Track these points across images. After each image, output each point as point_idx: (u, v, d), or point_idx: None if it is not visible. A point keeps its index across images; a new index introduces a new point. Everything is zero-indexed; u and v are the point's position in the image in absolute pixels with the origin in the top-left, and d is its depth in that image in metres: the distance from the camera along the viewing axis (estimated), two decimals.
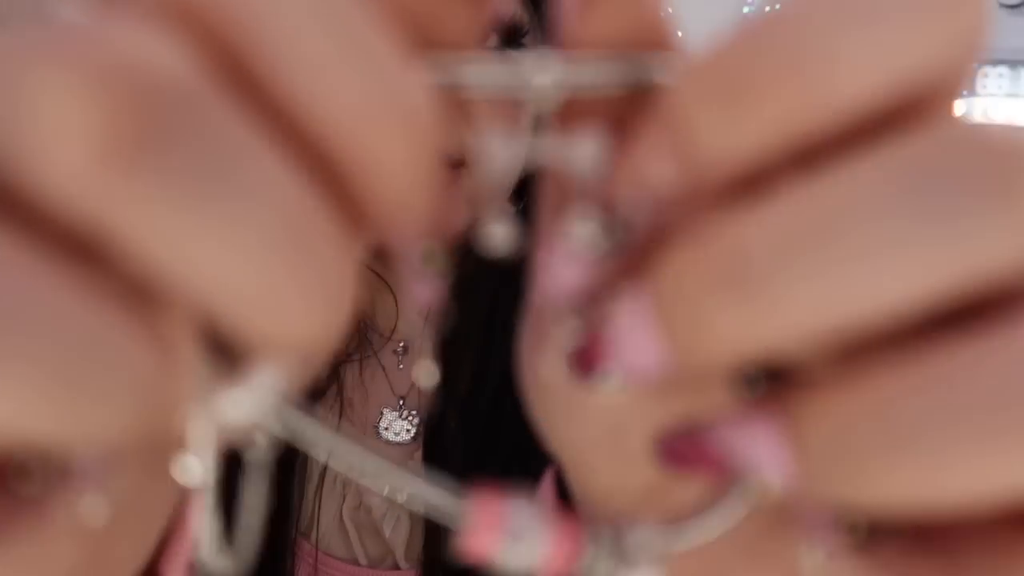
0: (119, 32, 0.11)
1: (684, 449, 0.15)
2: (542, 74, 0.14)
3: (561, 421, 0.18)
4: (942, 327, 0.12)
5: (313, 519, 0.55)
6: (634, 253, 0.14)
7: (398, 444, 0.56)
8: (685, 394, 0.16)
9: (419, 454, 0.55)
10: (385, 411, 0.57)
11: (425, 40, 0.14)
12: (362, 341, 0.57)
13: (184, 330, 0.13)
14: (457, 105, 0.14)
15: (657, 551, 0.15)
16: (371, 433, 0.56)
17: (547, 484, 0.26)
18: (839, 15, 0.11)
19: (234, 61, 0.12)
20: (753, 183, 0.13)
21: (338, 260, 0.12)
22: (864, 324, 0.12)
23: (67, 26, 0.11)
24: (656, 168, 0.13)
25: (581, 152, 0.14)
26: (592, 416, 0.17)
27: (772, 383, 0.14)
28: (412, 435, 0.56)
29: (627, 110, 0.15)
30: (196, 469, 0.13)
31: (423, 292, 0.14)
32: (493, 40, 0.47)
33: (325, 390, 0.56)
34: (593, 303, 0.14)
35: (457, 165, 0.15)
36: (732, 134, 0.12)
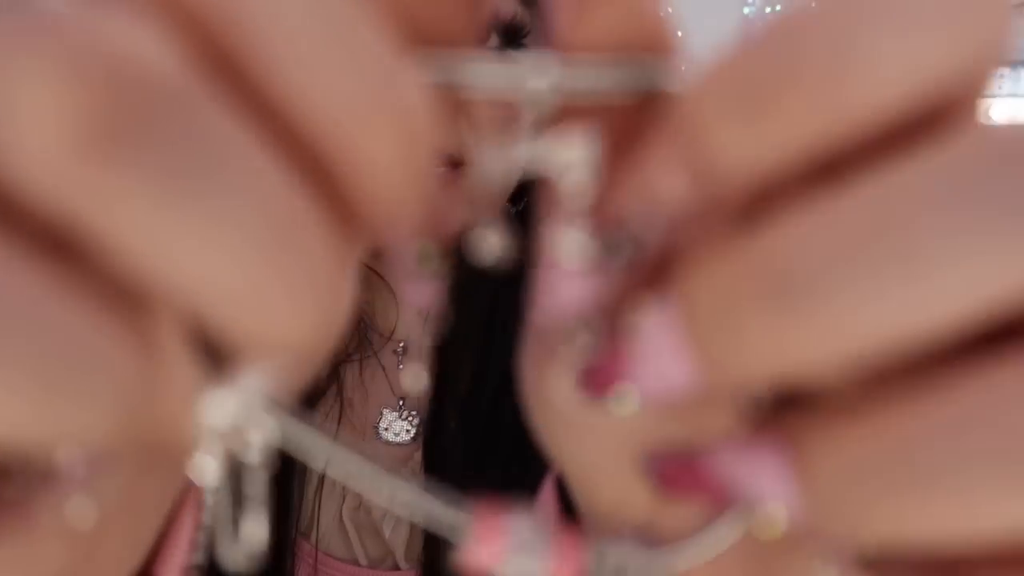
0: (100, 22, 0.11)
1: (677, 474, 0.14)
2: (538, 77, 0.13)
3: (565, 438, 0.18)
4: (966, 352, 0.12)
5: (313, 519, 0.55)
6: (643, 269, 0.14)
7: (398, 444, 0.56)
8: (693, 413, 0.15)
9: (419, 454, 0.55)
10: (385, 411, 0.56)
11: (422, 38, 0.14)
12: (362, 341, 0.57)
13: (172, 329, 0.13)
14: (454, 104, 0.14)
15: (659, 570, 0.15)
16: (371, 433, 0.56)
17: (548, 489, 0.26)
18: (866, 18, 0.11)
19: (222, 54, 0.12)
20: (768, 196, 0.12)
21: (327, 260, 0.12)
22: (911, 340, 0.11)
23: (46, 15, 0.11)
24: (668, 181, 0.13)
25: (568, 157, 0.14)
26: (597, 434, 0.17)
27: (775, 407, 0.14)
28: (412, 435, 0.56)
29: (634, 119, 0.14)
30: (209, 469, 0.13)
31: (418, 293, 0.14)
32: (494, 40, 0.46)
33: (325, 390, 0.56)
34: (600, 320, 0.14)
35: (456, 164, 0.15)
36: (754, 145, 0.12)
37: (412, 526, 0.54)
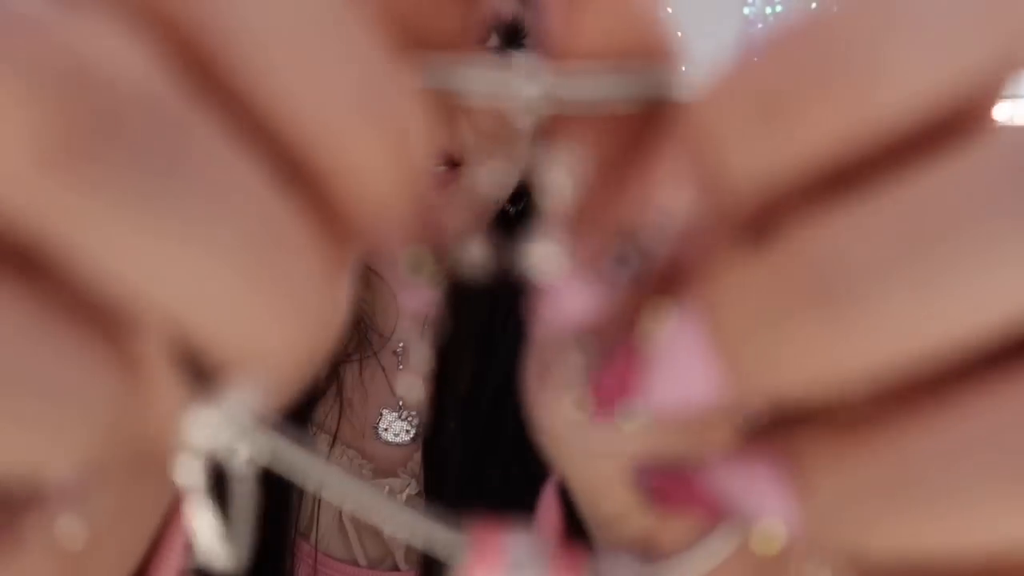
0: (65, 24, 0.10)
1: (670, 488, 0.14)
2: (531, 84, 0.13)
3: (568, 452, 0.18)
4: (968, 369, 0.11)
5: (312, 519, 0.54)
6: (650, 282, 0.13)
7: (397, 445, 0.56)
8: (694, 427, 0.15)
9: (418, 455, 0.55)
10: (384, 412, 0.56)
11: (415, 41, 0.13)
12: (362, 341, 0.57)
13: (156, 345, 0.12)
14: (451, 107, 0.13)
15: None
16: (370, 434, 0.56)
17: (550, 493, 0.26)
18: (883, 23, 0.11)
19: (199, 57, 0.11)
20: (777, 207, 0.12)
21: (314, 270, 0.11)
22: (947, 350, 0.11)
23: (9, 17, 0.10)
24: (676, 192, 0.12)
25: (551, 169, 0.13)
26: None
27: (771, 422, 0.14)
28: (411, 436, 0.56)
29: (638, 127, 0.14)
30: (193, 477, 0.13)
31: (413, 300, 0.14)
32: (493, 40, 0.46)
33: (325, 390, 0.56)
34: (595, 340, 0.14)
35: (454, 164, 0.14)
36: (769, 154, 0.11)
37: None
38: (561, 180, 0.13)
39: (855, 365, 0.11)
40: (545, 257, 0.13)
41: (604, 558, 0.14)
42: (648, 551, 0.15)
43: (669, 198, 0.13)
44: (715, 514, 0.14)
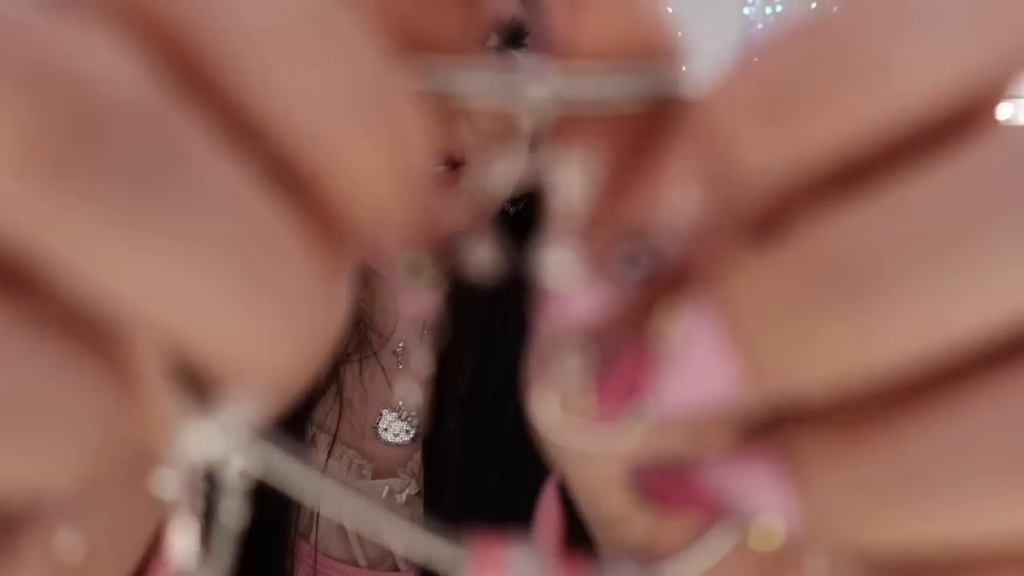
0: (50, 30, 0.10)
1: (667, 488, 0.14)
2: (538, 86, 0.13)
3: (568, 455, 0.18)
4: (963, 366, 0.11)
5: (312, 520, 0.54)
6: (659, 282, 0.13)
7: (397, 445, 0.56)
8: (694, 426, 0.15)
9: (418, 455, 0.55)
10: (384, 412, 0.56)
11: (416, 43, 0.13)
12: (361, 341, 0.57)
13: (149, 356, 0.12)
14: (452, 109, 0.13)
15: None
16: (370, 434, 0.56)
17: (550, 493, 0.26)
18: (895, 18, 0.11)
19: (187, 59, 0.11)
20: (786, 205, 0.12)
21: (309, 279, 0.11)
22: (968, 341, 0.11)
23: None
24: (686, 190, 0.12)
25: (564, 177, 0.13)
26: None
27: (767, 420, 0.13)
28: (411, 436, 0.56)
29: (646, 126, 0.14)
30: (172, 488, 0.13)
31: (413, 304, 0.14)
32: (494, 40, 0.46)
33: (325, 390, 0.56)
34: (610, 336, 0.13)
35: (454, 164, 0.14)
36: (782, 149, 0.11)
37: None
38: (573, 182, 0.13)
39: (878, 359, 0.11)
40: (559, 263, 0.13)
41: (605, 566, 0.14)
42: (648, 553, 0.15)
43: (678, 197, 0.12)
44: (713, 512, 0.14)
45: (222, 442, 0.12)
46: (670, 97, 0.13)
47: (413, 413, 0.56)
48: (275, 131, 0.11)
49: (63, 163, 0.10)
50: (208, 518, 0.13)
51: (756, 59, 0.11)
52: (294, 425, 0.54)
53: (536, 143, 0.13)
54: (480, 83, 0.13)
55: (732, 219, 0.12)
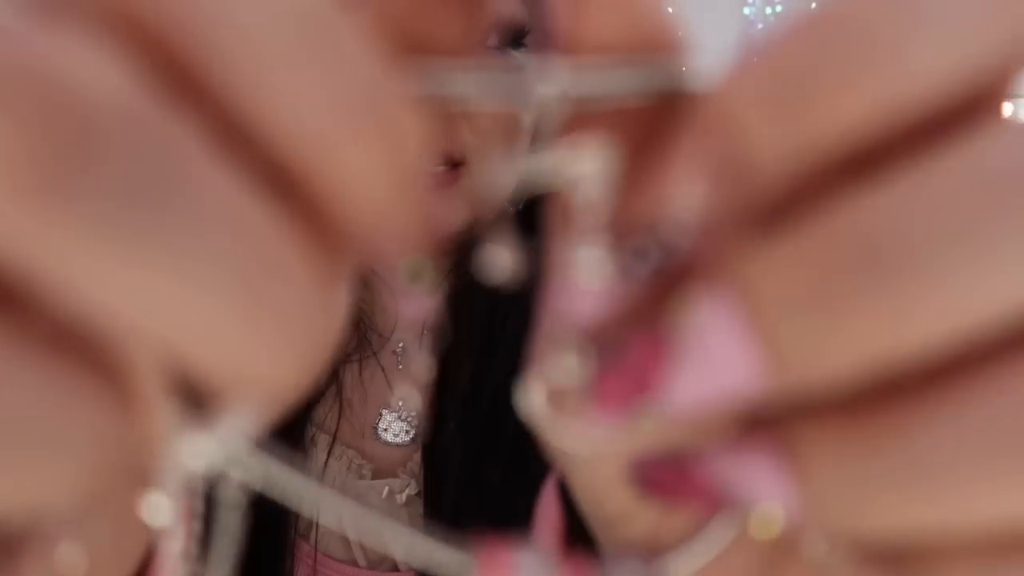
0: (31, 37, 0.10)
1: (668, 479, 0.14)
2: (546, 84, 0.13)
3: (569, 454, 0.18)
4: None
5: (312, 521, 0.54)
6: (668, 276, 0.13)
7: (397, 445, 0.56)
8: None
9: (418, 455, 0.55)
10: (384, 412, 0.56)
11: (418, 46, 0.13)
12: (361, 341, 0.57)
13: (146, 369, 0.12)
14: (447, 112, 0.13)
15: None
16: (370, 434, 0.56)
17: (550, 492, 0.26)
18: (904, 6, 0.11)
19: (178, 64, 0.10)
20: (795, 196, 0.12)
21: (307, 288, 0.11)
22: (1002, 322, 0.11)
23: None
24: (695, 182, 0.12)
25: (584, 169, 0.13)
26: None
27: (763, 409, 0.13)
28: (411, 436, 0.56)
29: (652, 121, 0.14)
30: (164, 510, 0.12)
31: (413, 308, 0.14)
32: (493, 39, 0.46)
33: (324, 390, 0.55)
34: (617, 331, 0.13)
35: (454, 164, 0.14)
36: (795, 137, 0.11)
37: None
38: (594, 177, 0.13)
39: (911, 341, 0.11)
40: (587, 263, 0.13)
41: (608, 565, 0.14)
42: (650, 549, 0.15)
43: (686, 190, 0.12)
44: (713, 503, 0.14)
45: (220, 455, 0.12)
46: (676, 91, 0.13)
47: (413, 413, 0.56)
48: (268, 135, 0.11)
49: (50, 178, 0.09)
50: (207, 527, 0.13)
51: (766, 49, 0.11)
52: (294, 425, 0.54)
53: (537, 141, 0.13)
54: (486, 84, 0.13)
55: (741, 210, 0.12)
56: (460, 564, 0.13)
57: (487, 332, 0.55)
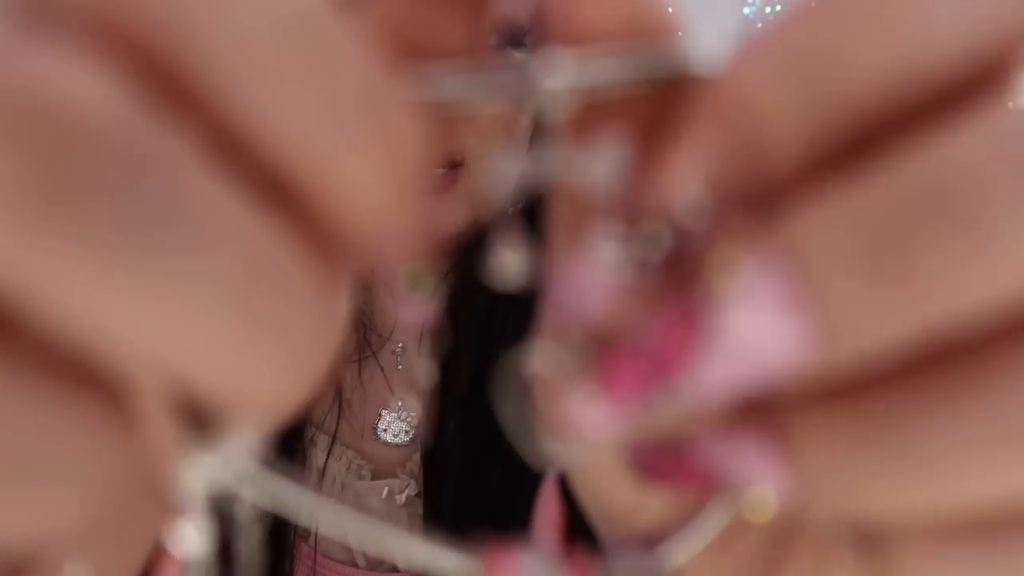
0: (23, 58, 0.09)
1: (664, 464, 0.14)
2: (553, 77, 0.12)
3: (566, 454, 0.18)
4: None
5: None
6: (678, 264, 0.13)
7: (396, 445, 0.56)
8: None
9: (417, 455, 0.55)
10: (384, 412, 0.56)
11: (418, 50, 0.13)
12: (361, 342, 0.57)
13: (148, 390, 0.12)
14: (450, 118, 0.13)
15: (662, 567, 0.14)
16: (369, 435, 0.56)
17: (549, 488, 0.26)
18: None
19: (168, 75, 0.10)
20: (806, 173, 0.11)
21: (307, 303, 0.11)
22: None
23: None
24: (704, 166, 0.12)
25: (600, 164, 0.13)
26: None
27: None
28: (410, 436, 0.56)
29: (655, 109, 0.13)
30: (192, 538, 0.12)
31: (411, 314, 0.13)
32: (494, 39, 0.46)
33: (324, 391, 0.55)
34: (591, 343, 0.13)
35: (453, 165, 0.14)
36: (812, 112, 0.11)
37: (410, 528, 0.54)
38: (605, 172, 0.13)
39: (982, 298, 0.10)
40: (605, 256, 0.13)
41: (610, 557, 0.14)
42: (648, 537, 0.15)
43: (698, 173, 0.12)
44: (709, 488, 0.14)
45: (227, 474, 0.12)
46: (677, 75, 0.13)
47: (412, 413, 0.56)
48: (262, 144, 0.10)
49: (42, 205, 0.09)
50: (217, 543, 0.13)
51: (776, 28, 0.11)
52: (294, 427, 0.54)
53: (542, 137, 0.13)
54: (489, 84, 0.13)
55: (754, 190, 0.12)
56: (466, 568, 0.13)
57: (486, 332, 0.55)
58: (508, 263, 0.13)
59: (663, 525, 0.17)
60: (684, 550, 0.15)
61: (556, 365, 0.13)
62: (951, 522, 0.12)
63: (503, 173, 0.13)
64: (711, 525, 0.15)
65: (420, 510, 0.54)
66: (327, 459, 0.54)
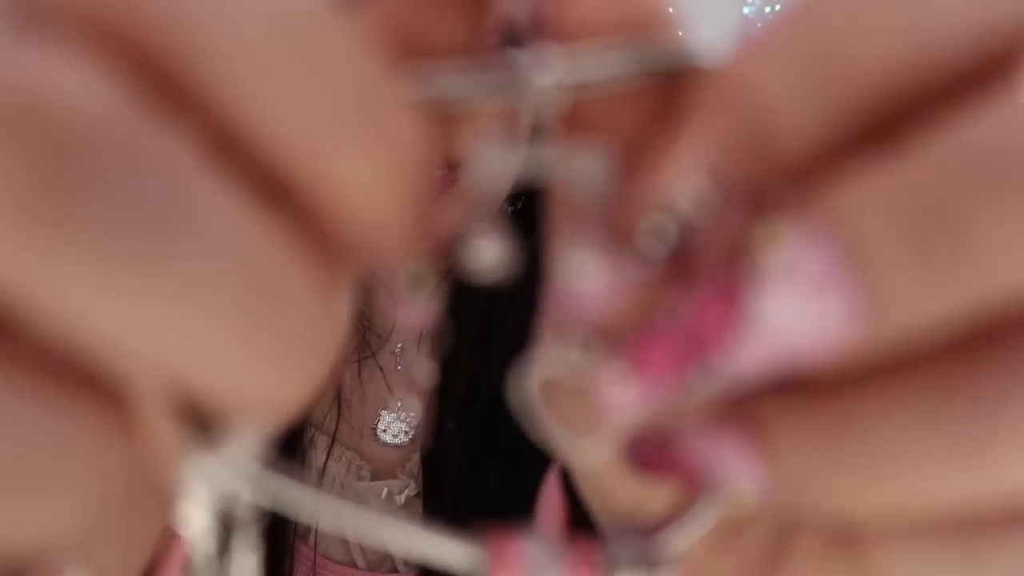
0: (16, 58, 0.09)
1: (654, 457, 0.14)
2: (543, 73, 0.12)
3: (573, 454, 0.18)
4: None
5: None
6: (686, 258, 0.12)
7: (396, 446, 0.56)
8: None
9: (417, 456, 0.55)
10: (383, 413, 0.56)
11: (418, 50, 0.13)
12: (360, 342, 0.57)
13: (149, 393, 0.11)
14: (447, 116, 0.13)
15: (661, 558, 0.14)
16: (369, 435, 0.56)
17: (551, 484, 0.26)
18: None
19: (164, 75, 0.10)
20: (816, 164, 0.11)
21: (307, 305, 0.11)
22: None
23: None
24: (706, 159, 0.12)
25: (583, 170, 0.13)
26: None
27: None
28: (410, 437, 0.56)
29: (655, 103, 0.13)
30: (194, 539, 0.12)
31: (411, 316, 0.13)
32: (493, 38, 0.46)
33: (323, 392, 0.55)
34: (599, 341, 0.13)
35: (452, 166, 0.14)
36: (821, 95, 0.11)
37: None
38: (589, 176, 0.13)
39: None
40: (582, 262, 0.13)
41: (611, 545, 0.14)
42: (648, 527, 0.15)
43: (703, 165, 0.12)
44: (695, 482, 0.14)
45: (230, 475, 0.12)
46: (678, 70, 0.13)
47: (412, 414, 0.56)
48: (261, 144, 0.10)
49: (39, 208, 0.09)
50: (218, 545, 0.13)
51: (781, 20, 0.11)
52: (293, 427, 0.54)
53: (536, 135, 0.13)
54: (483, 82, 0.13)
55: (762, 182, 0.12)
56: (471, 557, 0.13)
57: (485, 332, 0.55)
58: (484, 254, 0.13)
59: (662, 517, 0.17)
60: (683, 538, 0.15)
61: (565, 365, 0.13)
62: (922, 521, 0.12)
63: (491, 171, 0.13)
64: (705, 518, 0.15)
65: (419, 510, 0.54)
66: (327, 460, 0.54)
